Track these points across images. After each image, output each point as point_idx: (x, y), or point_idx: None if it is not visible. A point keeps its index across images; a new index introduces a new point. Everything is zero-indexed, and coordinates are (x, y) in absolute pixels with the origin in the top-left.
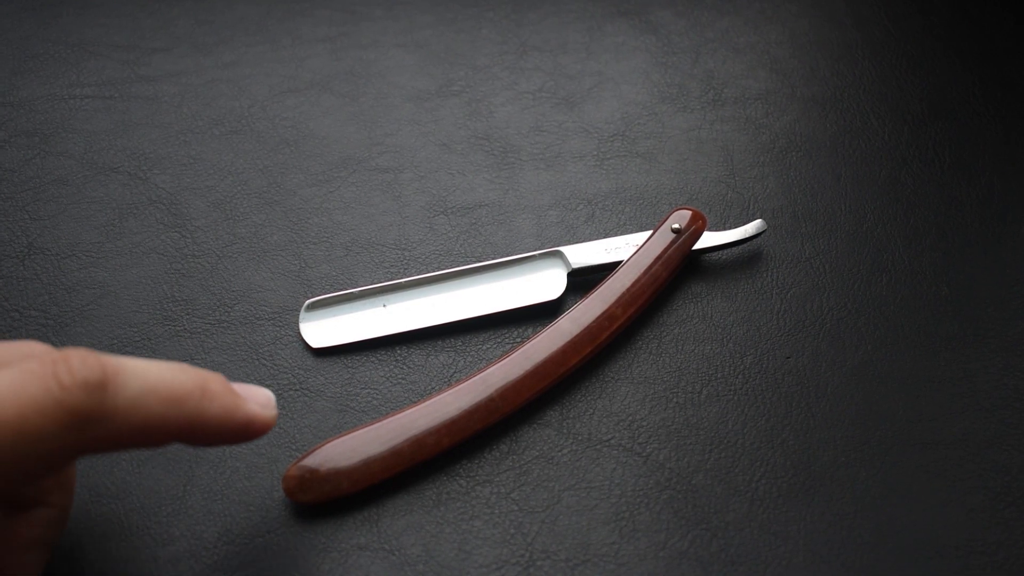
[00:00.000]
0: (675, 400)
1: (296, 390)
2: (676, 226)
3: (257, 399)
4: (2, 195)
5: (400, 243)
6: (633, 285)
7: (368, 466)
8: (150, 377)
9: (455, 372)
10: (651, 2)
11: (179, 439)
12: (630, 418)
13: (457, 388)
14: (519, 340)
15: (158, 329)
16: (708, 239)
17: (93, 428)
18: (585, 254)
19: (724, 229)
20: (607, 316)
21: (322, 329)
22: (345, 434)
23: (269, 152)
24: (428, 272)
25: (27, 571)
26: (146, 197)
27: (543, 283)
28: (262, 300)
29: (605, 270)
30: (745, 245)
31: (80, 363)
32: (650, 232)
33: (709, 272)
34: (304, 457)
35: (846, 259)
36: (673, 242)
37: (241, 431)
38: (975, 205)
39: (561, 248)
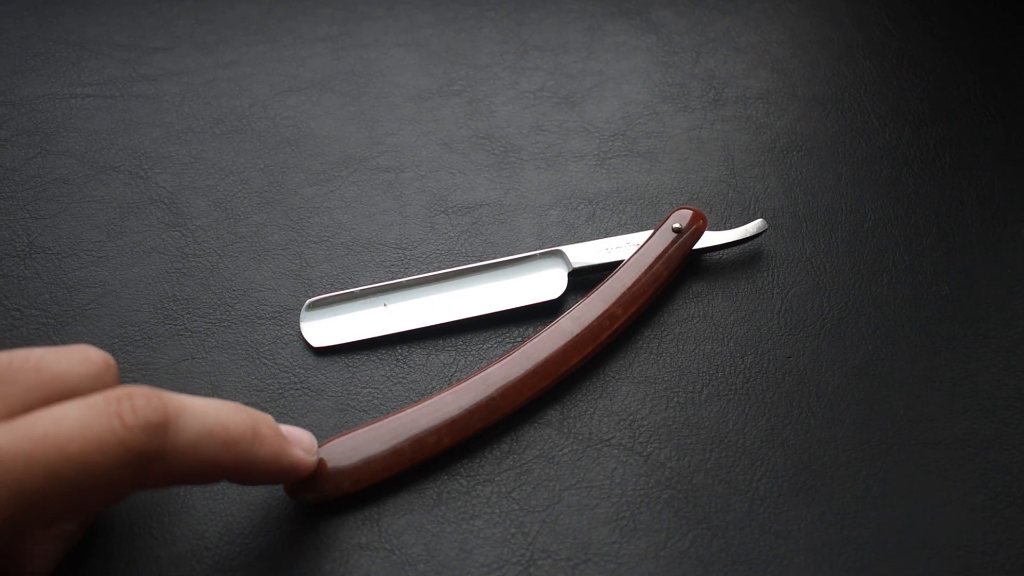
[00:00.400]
0: (676, 399)
1: (297, 389)
2: (677, 225)
3: (302, 444)
4: (3, 194)
5: (401, 242)
6: (634, 285)
7: (369, 465)
8: (208, 420)
9: (456, 371)
10: (652, 1)
11: (226, 478)
12: (631, 417)
13: (458, 387)
14: (520, 340)
15: (159, 328)
16: (709, 239)
17: (151, 467)
18: (586, 253)
19: (725, 229)
20: (608, 315)
21: (323, 328)
22: (346, 433)
23: (270, 151)
24: (429, 271)
25: (45, 561)
26: (147, 196)
27: (544, 283)
28: (263, 299)
29: (606, 269)
30: (746, 245)
31: (144, 403)
32: (651, 232)
33: (710, 272)
34: None
35: (847, 259)
36: (674, 241)
37: (284, 474)
38: (976, 205)
39: (562, 247)
